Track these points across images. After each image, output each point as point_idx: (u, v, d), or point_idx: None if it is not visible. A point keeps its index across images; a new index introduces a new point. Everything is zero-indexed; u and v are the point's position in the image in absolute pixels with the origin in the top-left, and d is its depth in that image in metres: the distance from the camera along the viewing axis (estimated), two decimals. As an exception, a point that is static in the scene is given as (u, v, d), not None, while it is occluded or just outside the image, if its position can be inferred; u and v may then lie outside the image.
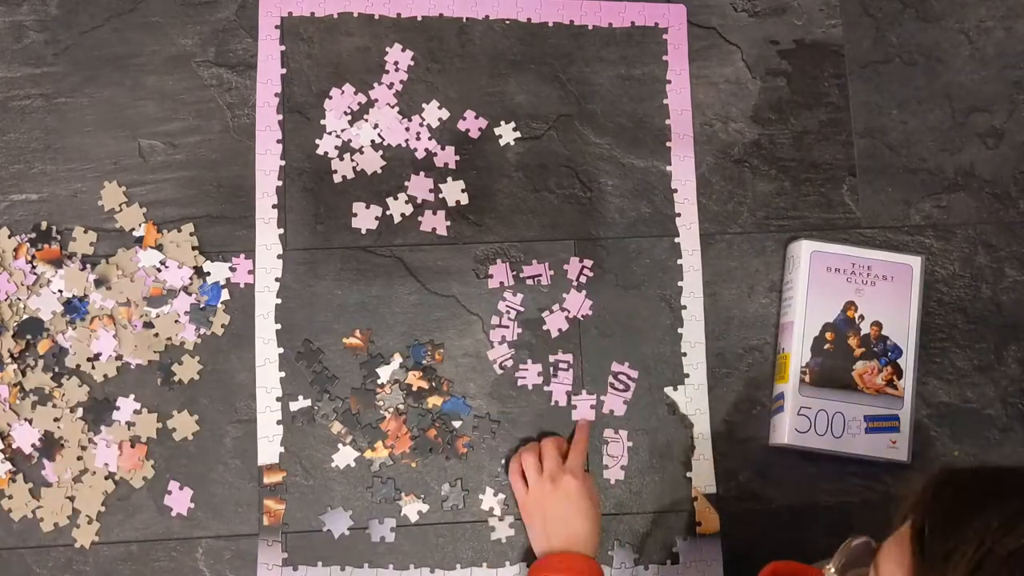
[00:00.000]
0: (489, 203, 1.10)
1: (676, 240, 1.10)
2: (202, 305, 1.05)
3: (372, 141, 1.10)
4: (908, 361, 1.06)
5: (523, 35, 1.13)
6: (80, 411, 1.02)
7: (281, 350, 1.05)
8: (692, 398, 1.07)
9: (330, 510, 1.03)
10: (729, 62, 1.14)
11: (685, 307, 1.09)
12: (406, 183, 1.09)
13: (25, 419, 1.01)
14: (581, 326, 1.08)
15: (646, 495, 1.05)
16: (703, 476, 1.06)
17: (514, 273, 1.08)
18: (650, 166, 1.11)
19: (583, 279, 1.09)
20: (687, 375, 1.07)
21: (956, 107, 1.15)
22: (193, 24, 1.10)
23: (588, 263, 1.09)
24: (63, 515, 1.00)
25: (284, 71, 1.10)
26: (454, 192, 1.09)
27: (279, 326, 1.05)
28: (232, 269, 1.06)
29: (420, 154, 1.10)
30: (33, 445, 1.01)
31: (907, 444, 1.05)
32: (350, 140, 1.09)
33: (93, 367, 1.03)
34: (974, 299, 1.11)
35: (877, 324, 1.06)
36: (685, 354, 1.08)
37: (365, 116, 1.10)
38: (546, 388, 1.06)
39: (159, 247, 1.05)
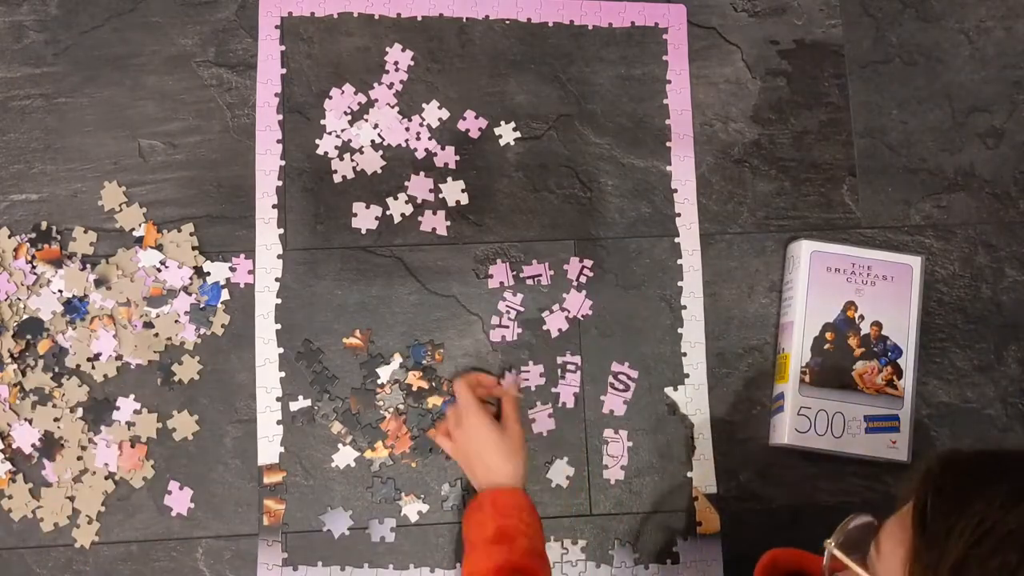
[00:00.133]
0: (489, 203, 1.10)
1: (676, 240, 1.10)
2: (202, 305, 1.05)
3: (372, 141, 1.10)
4: (908, 361, 1.06)
5: (523, 35, 1.13)
6: (80, 411, 1.02)
7: (281, 350, 1.05)
8: (692, 398, 1.07)
9: (330, 510, 1.03)
10: (729, 62, 1.14)
11: (685, 307, 1.09)
12: (406, 183, 1.09)
13: (25, 419, 1.01)
14: (581, 326, 1.08)
15: (646, 495, 1.05)
16: (704, 476, 1.06)
17: (514, 273, 1.08)
18: (650, 166, 1.11)
19: (583, 279, 1.09)
20: (687, 375, 1.07)
21: (956, 107, 1.15)
22: (193, 24, 1.10)
23: (588, 263, 1.09)
24: (63, 515, 1.00)
25: (284, 71, 1.10)
26: (454, 192, 1.09)
27: (279, 326, 1.05)
28: (232, 269, 1.06)
29: (420, 154, 1.10)
30: (33, 445, 1.01)
31: (907, 444, 1.05)
32: (350, 140, 1.09)
33: (93, 367, 1.03)
34: (974, 299, 1.11)
35: (877, 324, 1.06)
36: (685, 354, 1.08)
37: (365, 116, 1.10)
38: (553, 389, 1.06)
39: (159, 247, 1.05)
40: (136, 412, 1.02)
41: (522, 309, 1.08)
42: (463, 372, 1.05)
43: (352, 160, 1.09)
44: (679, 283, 1.09)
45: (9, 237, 1.04)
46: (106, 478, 1.01)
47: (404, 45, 1.11)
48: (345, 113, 1.10)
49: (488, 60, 1.12)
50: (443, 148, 1.10)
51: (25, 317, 1.03)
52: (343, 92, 1.10)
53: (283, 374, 1.05)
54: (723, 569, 1.04)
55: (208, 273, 1.05)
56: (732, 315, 1.09)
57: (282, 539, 1.02)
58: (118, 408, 1.02)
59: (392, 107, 1.10)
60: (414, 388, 1.05)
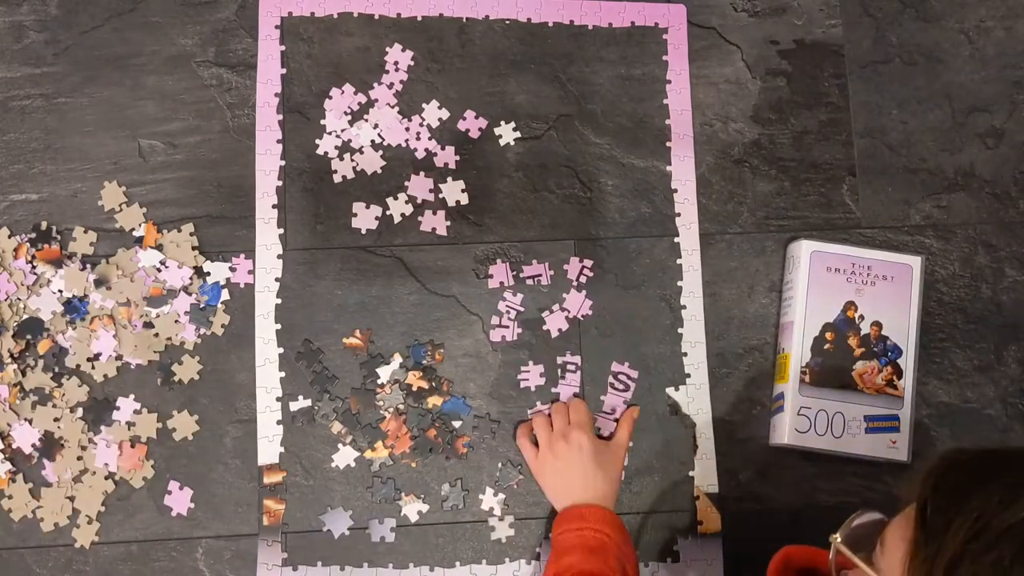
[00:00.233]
0: (489, 203, 1.10)
1: (676, 240, 1.10)
2: (202, 305, 1.05)
3: (372, 141, 1.10)
4: (908, 361, 1.06)
5: (523, 35, 1.13)
6: (80, 411, 1.02)
7: (281, 350, 1.05)
8: (694, 398, 1.07)
9: (330, 510, 1.03)
10: (729, 62, 1.14)
11: (685, 307, 1.09)
12: (406, 183, 1.09)
13: (25, 419, 1.01)
14: (581, 326, 1.08)
15: (646, 495, 1.05)
16: (705, 475, 1.06)
17: (514, 273, 1.08)
18: (650, 166, 1.11)
19: (583, 279, 1.09)
20: (688, 375, 1.07)
21: (956, 107, 1.15)
22: (193, 24, 1.10)
23: (588, 263, 1.09)
24: (63, 515, 1.00)
25: (284, 71, 1.10)
26: (454, 192, 1.09)
27: (279, 326, 1.05)
28: (232, 269, 1.06)
29: (420, 154, 1.10)
30: (33, 445, 1.01)
31: (907, 444, 1.05)
32: (350, 140, 1.09)
33: (93, 367, 1.03)
34: (974, 299, 1.11)
35: (877, 324, 1.06)
36: (686, 354, 1.08)
37: (365, 116, 1.10)
38: (553, 390, 1.06)
39: (159, 247, 1.05)
40: (136, 412, 1.02)
41: (522, 309, 1.08)
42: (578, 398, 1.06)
43: (352, 160, 1.09)
44: (679, 283, 1.09)
45: (9, 237, 1.04)
46: (106, 478, 1.01)
47: (404, 45, 1.11)
48: (345, 113, 1.10)
49: (488, 60, 1.12)
50: (443, 148, 1.10)
51: (25, 317, 1.03)
52: (343, 92, 1.10)
53: (283, 374, 1.05)
54: (723, 569, 1.04)
55: (208, 273, 1.05)
56: (732, 315, 1.09)
57: (282, 539, 1.02)
58: (118, 408, 1.02)
59: (392, 107, 1.10)
60: (414, 388, 1.05)
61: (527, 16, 1.13)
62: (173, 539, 1.02)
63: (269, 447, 1.03)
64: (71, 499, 1.01)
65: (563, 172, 1.11)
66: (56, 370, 1.03)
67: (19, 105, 1.08)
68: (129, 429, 1.02)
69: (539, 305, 1.08)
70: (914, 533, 0.62)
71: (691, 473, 1.06)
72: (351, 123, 1.10)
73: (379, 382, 1.05)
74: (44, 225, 1.05)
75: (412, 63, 1.11)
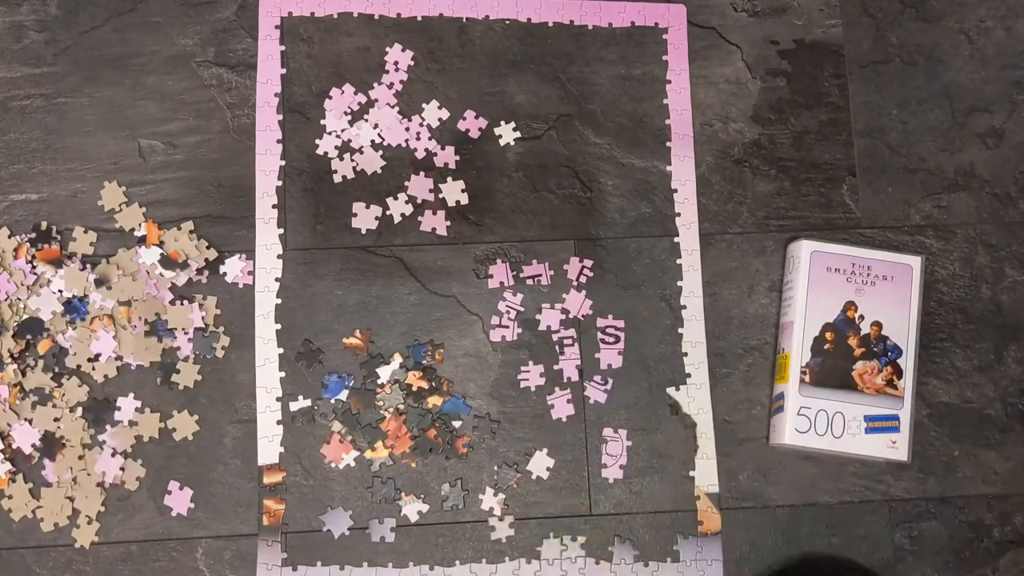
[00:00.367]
0: (489, 203, 1.10)
1: (676, 240, 1.10)
2: (207, 333, 1.04)
3: (372, 141, 1.10)
4: (908, 361, 1.06)
5: (523, 35, 1.13)
6: (80, 411, 1.02)
7: (281, 350, 1.05)
8: (694, 398, 1.07)
9: (330, 510, 1.03)
10: (729, 62, 1.14)
11: (685, 307, 1.09)
12: (406, 183, 1.09)
13: (25, 419, 1.01)
14: (581, 326, 1.08)
15: (646, 495, 1.05)
16: (706, 475, 1.06)
17: (514, 273, 1.08)
18: (650, 166, 1.11)
19: (583, 279, 1.09)
20: (688, 375, 1.07)
21: (956, 107, 1.15)
22: (193, 24, 1.10)
23: (588, 263, 1.09)
24: (63, 515, 1.00)
25: (284, 71, 1.10)
26: (454, 192, 1.09)
27: (279, 326, 1.05)
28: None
29: (420, 154, 1.10)
30: (33, 445, 1.01)
31: (907, 444, 1.05)
32: (350, 140, 1.09)
33: (93, 368, 1.03)
34: (974, 299, 1.11)
35: (877, 324, 1.06)
36: (686, 354, 1.08)
37: (365, 116, 1.10)
38: (555, 367, 1.06)
39: (160, 243, 1.05)
40: (138, 410, 1.02)
41: (522, 309, 1.08)
42: None
43: (352, 160, 1.09)
44: (679, 283, 1.09)
45: (9, 237, 1.04)
46: (97, 485, 1.01)
47: (404, 45, 1.11)
48: (345, 113, 1.10)
49: (488, 60, 1.12)
50: (443, 148, 1.10)
51: (25, 317, 1.03)
52: (343, 92, 1.10)
53: (283, 374, 1.05)
54: (723, 569, 1.04)
55: (225, 273, 1.05)
56: (732, 315, 1.09)
57: (282, 539, 1.02)
58: (119, 408, 1.02)
59: (392, 107, 1.10)
60: (414, 388, 1.05)
61: (527, 16, 1.13)
62: (173, 539, 1.02)
63: (269, 447, 1.03)
64: (71, 499, 1.01)
65: (563, 172, 1.11)
66: (56, 370, 1.03)
67: (19, 105, 1.08)
68: (131, 427, 1.02)
69: (539, 305, 1.08)
70: None
71: (691, 473, 1.06)
72: (351, 123, 1.10)
73: (379, 382, 1.05)
74: (44, 225, 1.05)
75: (412, 63, 1.11)
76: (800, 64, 1.14)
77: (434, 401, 1.05)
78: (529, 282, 1.08)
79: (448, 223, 1.09)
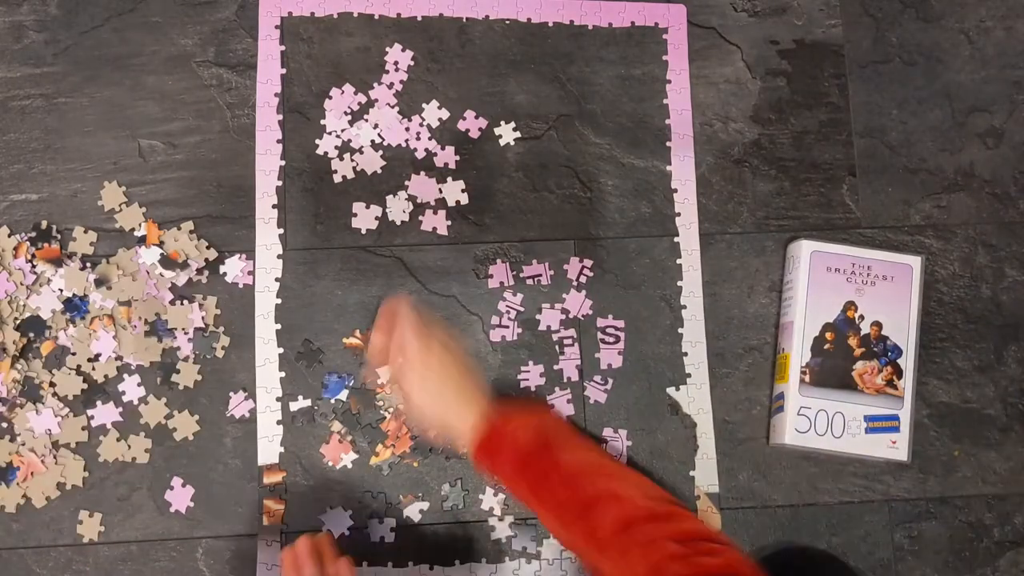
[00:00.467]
0: (489, 203, 1.10)
1: (676, 240, 1.10)
2: (207, 333, 1.04)
3: (372, 141, 1.10)
4: (908, 361, 1.06)
5: (523, 35, 1.13)
6: (80, 407, 1.02)
7: (281, 350, 1.05)
8: (694, 398, 1.07)
9: (330, 510, 1.03)
10: (729, 62, 1.14)
11: (685, 307, 1.09)
12: (406, 183, 1.09)
13: (27, 415, 1.01)
14: (581, 326, 1.08)
15: (646, 495, 1.05)
16: (706, 475, 1.06)
17: (514, 273, 1.08)
18: (650, 166, 1.11)
19: (583, 279, 1.09)
20: (688, 375, 1.07)
21: (956, 107, 1.15)
22: (193, 24, 1.10)
23: (588, 263, 1.09)
24: (52, 489, 1.01)
25: (284, 71, 1.10)
26: (454, 192, 1.09)
27: (279, 326, 1.05)
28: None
29: (420, 154, 1.10)
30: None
31: (907, 444, 1.05)
32: (350, 140, 1.09)
33: (93, 368, 1.03)
34: (974, 299, 1.11)
35: (877, 324, 1.06)
36: (686, 354, 1.08)
37: (365, 116, 1.10)
38: (555, 367, 1.06)
39: (160, 243, 1.05)
40: (142, 398, 1.02)
41: (522, 309, 1.08)
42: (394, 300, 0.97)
43: (352, 160, 1.09)
44: (679, 283, 1.09)
45: (9, 236, 1.04)
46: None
47: (404, 45, 1.11)
48: (345, 113, 1.10)
49: (488, 60, 1.12)
50: (443, 148, 1.10)
51: (26, 316, 1.03)
52: (343, 92, 1.10)
53: (283, 374, 1.05)
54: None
55: (225, 273, 1.05)
56: (732, 315, 1.09)
57: (282, 539, 1.02)
58: (123, 393, 1.02)
59: (392, 107, 1.10)
60: (414, 388, 1.05)
61: (527, 16, 1.13)
62: (173, 539, 1.02)
63: (269, 447, 1.03)
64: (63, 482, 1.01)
65: (563, 172, 1.11)
66: (56, 369, 1.02)
67: (19, 105, 1.08)
68: (139, 405, 1.02)
69: (539, 305, 1.08)
70: None
71: (691, 473, 1.06)
72: (351, 123, 1.10)
73: (379, 382, 1.05)
74: (44, 224, 1.05)
75: (412, 63, 1.11)
76: (800, 64, 1.14)
77: (434, 401, 1.05)
78: (529, 282, 1.08)
79: (448, 223, 1.09)
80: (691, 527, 0.84)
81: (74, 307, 1.03)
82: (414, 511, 1.03)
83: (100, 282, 1.04)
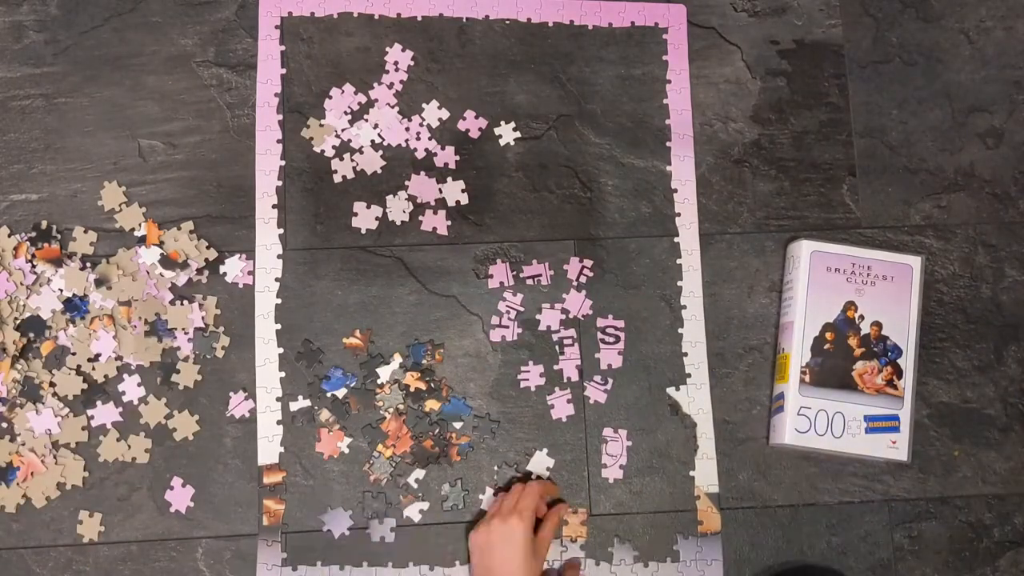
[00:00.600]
0: (489, 203, 1.10)
1: (676, 240, 1.10)
2: (207, 333, 1.04)
3: (372, 141, 1.10)
4: (908, 361, 1.06)
5: (523, 35, 1.13)
6: (80, 406, 1.02)
7: (281, 350, 1.05)
8: (694, 398, 1.07)
9: (330, 510, 1.03)
10: (729, 62, 1.14)
11: (685, 307, 1.09)
12: (406, 183, 1.09)
13: (27, 415, 1.01)
14: (581, 326, 1.08)
15: (646, 495, 1.05)
16: (706, 475, 1.06)
17: (514, 273, 1.08)
18: (650, 166, 1.11)
19: (583, 279, 1.09)
20: (688, 375, 1.07)
21: (956, 107, 1.15)
22: (193, 24, 1.10)
23: (588, 263, 1.09)
24: (52, 488, 1.01)
25: (284, 71, 1.10)
26: (454, 192, 1.09)
27: (279, 326, 1.05)
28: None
29: (420, 154, 1.10)
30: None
31: (907, 444, 1.05)
32: (350, 140, 1.09)
33: (93, 368, 1.03)
34: (974, 299, 1.11)
35: (877, 324, 1.06)
36: (686, 354, 1.08)
37: (365, 116, 1.10)
38: (555, 367, 1.06)
39: (160, 243, 1.05)
40: (142, 399, 1.02)
41: (522, 309, 1.08)
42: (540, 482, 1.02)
43: (352, 160, 1.09)
44: (679, 283, 1.09)
45: (9, 236, 1.04)
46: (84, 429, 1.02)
47: (404, 45, 1.11)
48: (345, 113, 1.10)
49: (488, 60, 1.12)
50: (443, 148, 1.10)
51: (26, 316, 1.03)
52: (343, 92, 1.10)
53: (283, 374, 1.05)
54: (723, 569, 1.04)
55: (225, 273, 1.05)
56: (732, 315, 1.09)
57: (282, 539, 1.02)
58: (123, 393, 1.02)
59: (392, 107, 1.10)
60: (412, 389, 1.05)
61: (527, 16, 1.13)
62: (173, 539, 1.02)
63: (269, 447, 1.03)
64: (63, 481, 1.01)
65: (563, 172, 1.11)
66: (57, 369, 1.02)
67: (19, 105, 1.08)
68: (139, 405, 1.02)
69: (539, 305, 1.08)
70: None
71: (691, 473, 1.06)
72: (351, 123, 1.10)
73: (379, 382, 1.05)
74: (44, 224, 1.05)
75: (412, 63, 1.11)
76: (800, 64, 1.14)
77: (431, 405, 1.05)
78: (529, 282, 1.08)
79: (448, 223, 1.09)
80: None
81: (74, 307, 1.04)
82: (414, 511, 1.03)
83: (100, 282, 1.04)
